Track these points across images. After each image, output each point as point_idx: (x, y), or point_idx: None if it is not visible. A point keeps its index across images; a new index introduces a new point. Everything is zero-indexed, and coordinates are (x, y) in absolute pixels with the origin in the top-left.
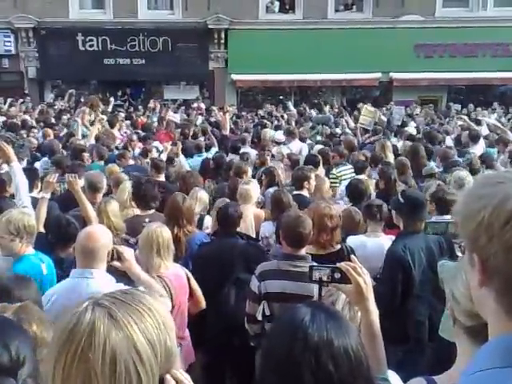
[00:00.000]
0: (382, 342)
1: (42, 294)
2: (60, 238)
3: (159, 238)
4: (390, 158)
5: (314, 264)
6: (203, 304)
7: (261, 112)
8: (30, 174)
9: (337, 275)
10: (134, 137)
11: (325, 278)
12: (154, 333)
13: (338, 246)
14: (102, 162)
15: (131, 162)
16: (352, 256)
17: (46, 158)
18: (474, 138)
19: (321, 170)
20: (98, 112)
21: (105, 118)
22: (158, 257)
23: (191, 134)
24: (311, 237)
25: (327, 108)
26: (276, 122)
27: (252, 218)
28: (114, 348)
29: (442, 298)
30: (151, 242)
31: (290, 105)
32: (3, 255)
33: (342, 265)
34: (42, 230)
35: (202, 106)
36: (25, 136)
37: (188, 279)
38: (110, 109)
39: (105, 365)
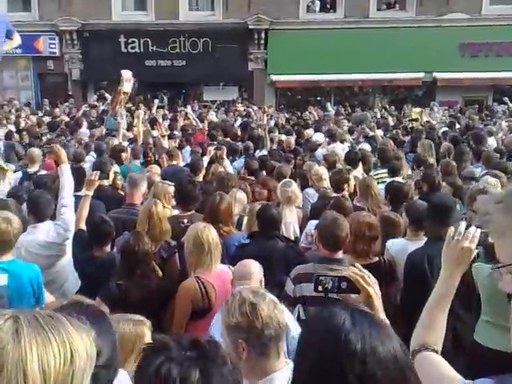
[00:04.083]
0: None
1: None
2: (94, 236)
3: (199, 238)
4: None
5: (321, 273)
6: None
7: (298, 113)
8: (77, 173)
9: (343, 285)
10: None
11: (331, 289)
12: (53, 363)
13: (376, 258)
14: (138, 162)
15: (174, 162)
16: (356, 264)
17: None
18: None
19: (360, 171)
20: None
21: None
22: (201, 258)
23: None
24: (348, 244)
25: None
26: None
27: (297, 220)
28: (4, 359)
29: (470, 308)
30: (189, 243)
31: (329, 105)
32: None
33: (351, 274)
34: (83, 227)
35: (241, 107)
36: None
37: None
38: (154, 110)
39: None
